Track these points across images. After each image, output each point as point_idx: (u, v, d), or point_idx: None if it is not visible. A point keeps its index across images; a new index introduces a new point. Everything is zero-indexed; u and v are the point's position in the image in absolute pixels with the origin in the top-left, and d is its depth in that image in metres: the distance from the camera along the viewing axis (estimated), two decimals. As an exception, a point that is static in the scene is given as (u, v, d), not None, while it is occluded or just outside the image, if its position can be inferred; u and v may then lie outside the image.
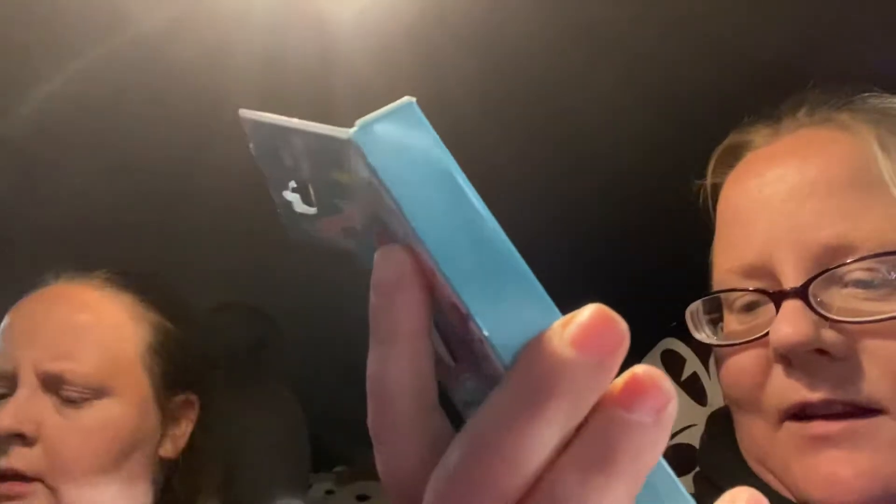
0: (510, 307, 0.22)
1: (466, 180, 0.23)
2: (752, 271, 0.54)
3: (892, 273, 0.49)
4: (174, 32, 0.78)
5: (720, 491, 0.61)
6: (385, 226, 0.25)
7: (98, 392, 0.78)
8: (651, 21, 0.81)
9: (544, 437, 0.20)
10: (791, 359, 0.50)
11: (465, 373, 0.26)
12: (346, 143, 0.23)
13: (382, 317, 0.23)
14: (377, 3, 0.75)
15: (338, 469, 1.74)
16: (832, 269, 0.50)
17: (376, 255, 0.24)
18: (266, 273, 1.24)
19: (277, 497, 1.11)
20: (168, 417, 0.84)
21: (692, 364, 1.22)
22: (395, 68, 0.83)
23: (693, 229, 0.65)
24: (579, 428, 0.21)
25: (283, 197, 0.27)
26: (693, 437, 1.17)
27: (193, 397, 0.87)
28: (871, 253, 0.49)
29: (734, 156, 0.62)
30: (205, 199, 1.03)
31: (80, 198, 1.06)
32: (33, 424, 0.75)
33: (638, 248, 1.09)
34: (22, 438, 0.74)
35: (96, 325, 0.81)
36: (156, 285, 0.89)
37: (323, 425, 1.36)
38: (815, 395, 0.50)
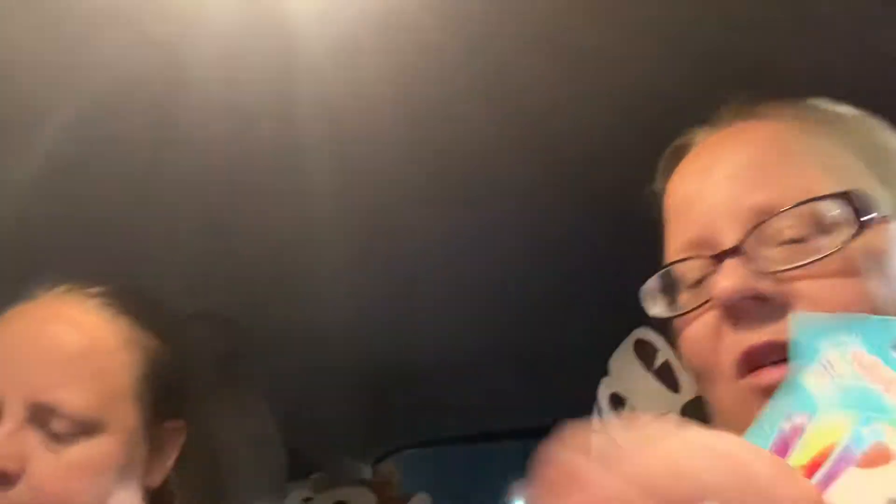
0: None
1: None
2: (698, 243, 0.58)
3: (817, 222, 0.54)
4: (126, 33, 0.76)
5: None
6: None
7: (89, 427, 0.72)
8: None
9: None
10: (735, 312, 0.54)
11: None
12: None
13: None
14: (341, 2, 0.74)
15: (315, 476, 1.73)
16: (762, 223, 0.55)
17: None
18: (239, 280, 1.22)
19: (254, 507, 1.10)
20: (155, 447, 0.79)
21: (665, 353, 1.23)
22: (360, 69, 0.81)
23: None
24: None
25: None
26: (668, 425, 1.18)
27: (181, 424, 0.82)
28: (794, 203, 0.54)
29: (677, 158, 0.67)
30: (161, 203, 1.01)
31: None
32: (18, 462, 0.69)
33: (611, 244, 1.09)
34: (5, 476, 0.69)
35: (91, 353, 0.75)
36: (154, 307, 0.84)
37: (297, 434, 1.34)
38: (759, 339, 0.53)
